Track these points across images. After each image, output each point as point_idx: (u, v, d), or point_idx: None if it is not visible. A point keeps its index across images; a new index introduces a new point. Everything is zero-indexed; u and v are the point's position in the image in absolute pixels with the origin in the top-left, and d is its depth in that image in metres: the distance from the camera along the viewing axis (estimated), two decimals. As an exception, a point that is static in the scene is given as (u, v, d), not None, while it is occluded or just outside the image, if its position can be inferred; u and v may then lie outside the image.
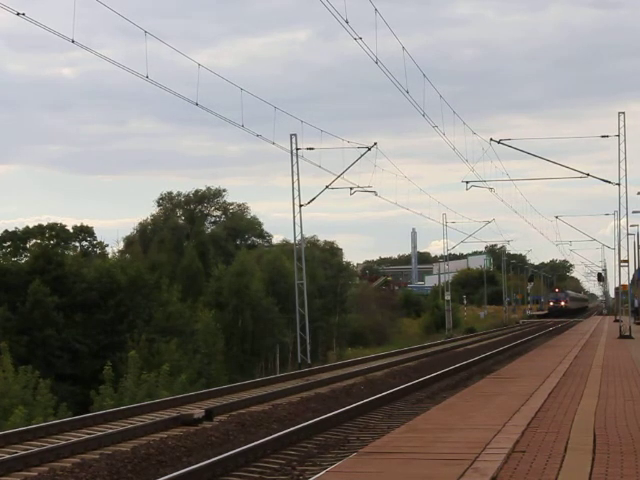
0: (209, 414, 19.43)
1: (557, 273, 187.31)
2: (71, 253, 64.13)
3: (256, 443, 14.91)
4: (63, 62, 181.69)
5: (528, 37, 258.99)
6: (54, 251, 56.86)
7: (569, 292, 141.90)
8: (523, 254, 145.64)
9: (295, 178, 42.02)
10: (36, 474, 13.62)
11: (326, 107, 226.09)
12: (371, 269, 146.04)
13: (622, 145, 44.49)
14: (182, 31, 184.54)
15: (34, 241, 74.31)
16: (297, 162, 41.89)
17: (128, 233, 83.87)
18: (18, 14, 20.72)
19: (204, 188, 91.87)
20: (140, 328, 47.04)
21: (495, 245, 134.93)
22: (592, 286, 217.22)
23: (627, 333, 44.65)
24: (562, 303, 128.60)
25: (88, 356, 46.56)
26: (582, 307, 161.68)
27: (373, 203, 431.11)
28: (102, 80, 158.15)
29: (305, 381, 28.91)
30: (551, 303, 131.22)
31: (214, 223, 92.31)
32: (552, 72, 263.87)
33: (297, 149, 41.74)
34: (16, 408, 28.15)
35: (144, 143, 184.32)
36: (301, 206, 42.20)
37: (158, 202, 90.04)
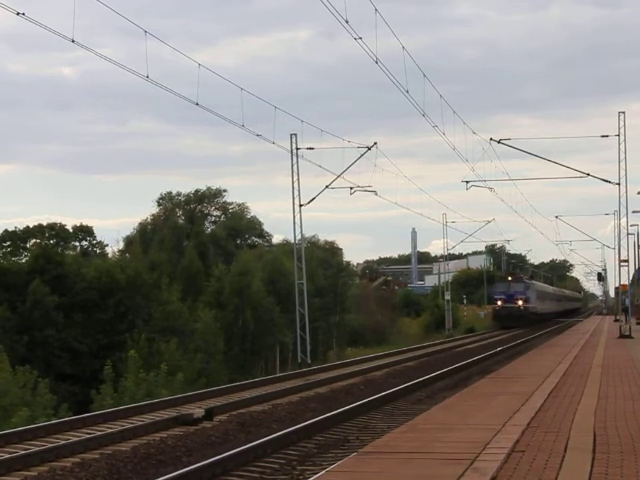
0: (209, 414, 19.43)
1: (557, 273, 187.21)
2: (71, 253, 64.15)
3: (256, 443, 14.91)
4: (63, 62, 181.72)
5: (529, 37, 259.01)
6: (54, 251, 56.88)
7: (535, 283, 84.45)
8: (523, 254, 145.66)
9: (295, 178, 42.05)
10: (36, 474, 13.62)
11: (326, 107, 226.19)
12: (371, 269, 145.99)
13: (622, 145, 44.56)
14: (183, 31, 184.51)
15: (34, 241, 74.36)
16: (297, 162, 41.92)
17: (128, 233, 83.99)
18: (18, 14, 20.75)
19: (204, 188, 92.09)
20: (140, 328, 47.06)
21: (495, 245, 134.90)
22: (592, 286, 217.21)
23: (627, 333, 44.66)
24: (519, 303, 72.91)
25: (88, 356, 46.56)
26: (568, 310, 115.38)
27: (373, 203, 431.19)
28: (102, 80, 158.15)
29: (305, 381, 28.91)
30: (498, 303, 74.51)
31: (214, 223, 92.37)
32: (553, 72, 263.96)
33: (297, 149, 41.77)
34: (17, 408, 28.15)
35: (144, 143, 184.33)
36: (301, 206, 42.23)
37: (158, 202, 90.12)
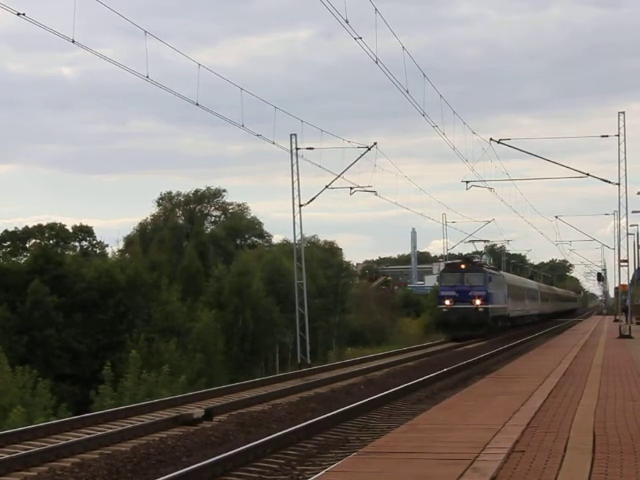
0: (209, 414, 19.42)
1: (557, 273, 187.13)
2: (71, 253, 64.20)
3: (256, 443, 14.90)
4: (63, 62, 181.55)
5: (529, 37, 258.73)
6: (54, 251, 56.97)
7: (503, 274, 63.80)
8: (523, 254, 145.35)
9: (295, 178, 42.02)
10: (36, 474, 13.61)
11: (326, 107, 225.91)
12: (371, 269, 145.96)
13: (622, 145, 44.61)
14: (183, 30, 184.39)
15: (34, 241, 74.42)
16: (297, 162, 41.91)
17: (128, 233, 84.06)
18: (18, 14, 20.75)
19: (204, 188, 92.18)
20: (139, 328, 47.10)
21: (495, 245, 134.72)
22: (592, 286, 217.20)
23: (627, 333, 44.67)
24: (477, 302, 52.18)
25: (88, 356, 46.62)
26: (558, 311, 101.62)
27: (373, 203, 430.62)
28: (102, 80, 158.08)
29: (305, 381, 28.90)
30: (446, 302, 52.92)
31: (214, 223, 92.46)
32: (553, 71, 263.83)
33: (297, 149, 41.75)
34: (14, 408, 28.17)
35: (144, 143, 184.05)
36: (301, 206, 42.21)
37: (158, 202, 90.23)
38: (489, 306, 52.92)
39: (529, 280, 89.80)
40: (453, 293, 52.91)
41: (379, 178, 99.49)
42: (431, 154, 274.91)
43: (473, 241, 69.03)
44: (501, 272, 64.20)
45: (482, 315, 52.17)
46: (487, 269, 56.02)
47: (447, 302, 52.76)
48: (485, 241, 69.80)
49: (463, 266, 54.08)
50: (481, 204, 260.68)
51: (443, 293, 53.73)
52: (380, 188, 46.86)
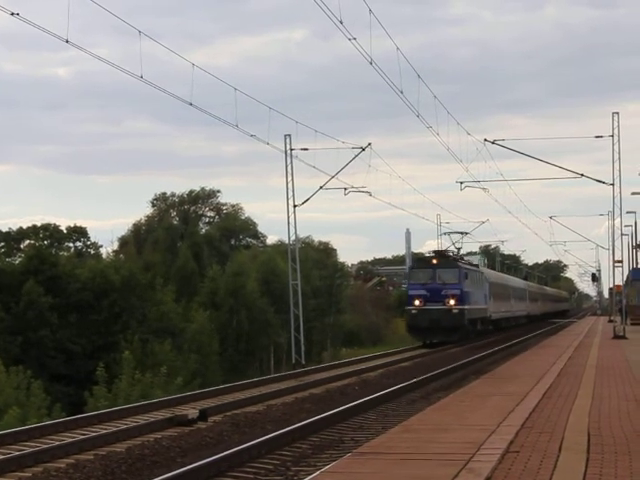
0: (203, 414, 19.41)
1: (551, 274, 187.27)
2: (65, 254, 64.14)
3: (250, 443, 14.89)
4: (57, 62, 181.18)
5: (524, 37, 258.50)
6: (48, 252, 56.92)
7: (482, 271, 57.06)
8: (517, 254, 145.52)
9: (289, 179, 42.07)
10: (30, 475, 13.59)
11: (321, 107, 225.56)
12: (365, 269, 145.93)
13: (616, 145, 44.71)
14: (178, 30, 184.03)
15: (28, 242, 74.32)
16: (291, 162, 41.95)
17: (122, 233, 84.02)
18: (12, 14, 20.74)
19: (198, 189, 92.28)
20: (134, 328, 47.07)
21: (489, 245, 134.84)
22: (586, 286, 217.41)
23: (621, 333, 44.73)
24: (450, 303, 46.26)
25: (82, 357, 46.58)
26: (548, 312, 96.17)
27: (367, 203, 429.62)
28: (97, 80, 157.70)
29: (299, 381, 28.90)
30: (416, 302, 46.81)
31: (208, 224, 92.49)
32: (548, 72, 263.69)
33: (291, 149, 41.80)
34: (10, 409, 28.16)
35: (139, 143, 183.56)
36: (295, 206, 42.24)
37: (152, 203, 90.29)
38: (465, 307, 47.24)
39: (515, 278, 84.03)
40: (423, 292, 46.87)
41: (373, 179, 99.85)
42: (425, 154, 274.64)
43: (449, 233, 59.57)
44: (481, 268, 57.97)
45: (457, 317, 46.51)
46: (463, 265, 50.09)
47: (416, 302, 46.89)
48: (462, 233, 58.25)
49: (435, 261, 48.06)
50: (475, 204, 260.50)
51: (412, 292, 47.52)
52: (374, 189, 47.04)
